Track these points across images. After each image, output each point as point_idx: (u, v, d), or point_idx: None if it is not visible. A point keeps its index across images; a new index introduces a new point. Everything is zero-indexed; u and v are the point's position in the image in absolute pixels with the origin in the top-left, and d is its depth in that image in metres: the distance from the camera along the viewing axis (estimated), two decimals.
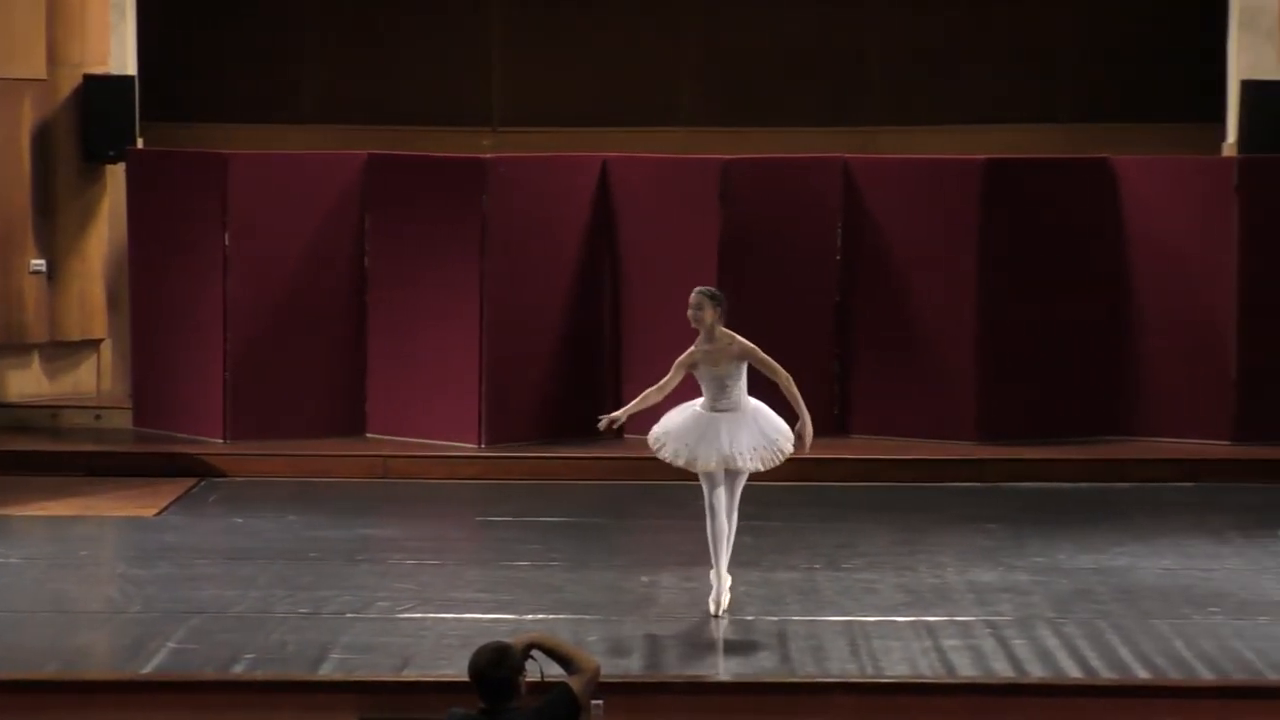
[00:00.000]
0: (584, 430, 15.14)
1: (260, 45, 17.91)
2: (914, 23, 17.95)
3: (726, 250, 14.95)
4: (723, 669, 9.91)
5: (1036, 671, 9.81)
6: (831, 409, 15.32)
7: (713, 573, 10.80)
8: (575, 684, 6.84)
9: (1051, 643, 10.27)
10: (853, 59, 18.01)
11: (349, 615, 10.80)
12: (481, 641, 7.00)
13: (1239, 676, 9.72)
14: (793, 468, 14.46)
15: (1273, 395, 15.08)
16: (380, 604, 11.03)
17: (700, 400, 10.76)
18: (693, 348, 10.72)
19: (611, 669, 9.33)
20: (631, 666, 9.84)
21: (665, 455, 10.73)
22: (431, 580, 11.62)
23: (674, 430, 10.68)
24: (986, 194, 15.04)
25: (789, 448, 10.72)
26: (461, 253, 14.87)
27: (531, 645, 6.91)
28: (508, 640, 6.94)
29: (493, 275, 14.85)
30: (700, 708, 9.53)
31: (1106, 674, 9.77)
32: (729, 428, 10.59)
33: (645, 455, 14.18)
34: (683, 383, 10.75)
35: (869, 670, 9.82)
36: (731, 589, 10.84)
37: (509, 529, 13.01)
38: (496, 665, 6.79)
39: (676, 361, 10.71)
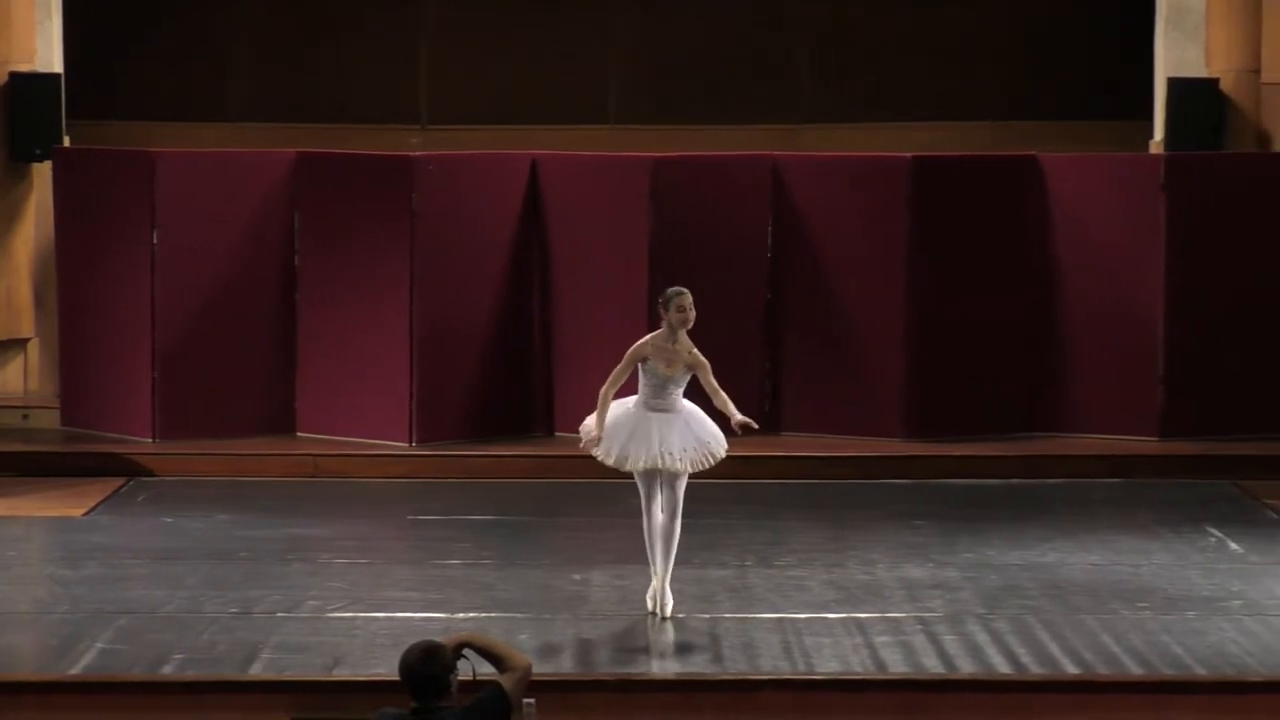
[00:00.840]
0: (515, 428, 15.20)
1: (188, 43, 17.82)
2: (841, 21, 18.00)
3: (656, 249, 14.96)
4: (655, 667, 9.91)
5: (967, 667, 9.85)
6: (762, 406, 15.35)
7: (655, 577, 10.69)
8: (506, 682, 6.84)
9: (981, 638, 10.32)
10: (781, 57, 18.05)
11: (279, 615, 10.76)
12: (413, 640, 6.99)
13: (1167, 671, 9.79)
14: (723, 465, 14.54)
15: (1199, 391, 15.18)
16: (311, 603, 10.99)
17: (635, 397, 10.70)
18: (647, 339, 10.62)
19: (543, 667, 9.33)
20: (563, 665, 9.84)
21: (595, 453, 10.69)
22: (362, 579, 11.58)
23: (605, 428, 10.62)
24: (914, 192, 15.09)
25: (720, 452, 10.69)
26: (391, 251, 14.84)
27: (463, 644, 6.90)
28: (439, 639, 6.93)
29: (422, 274, 14.82)
30: (632, 706, 9.54)
31: (1036, 669, 9.81)
32: (660, 427, 10.54)
33: (576, 454, 14.18)
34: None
35: (800, 667, 9.84)
36: (669, 591, 10.70)
37: (440, 528, 12.99)
38: (427, 664, 6.78)
39: (628, 354, 10.59)
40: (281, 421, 15.17)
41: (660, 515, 10.66)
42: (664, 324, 10.66)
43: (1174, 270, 15.13)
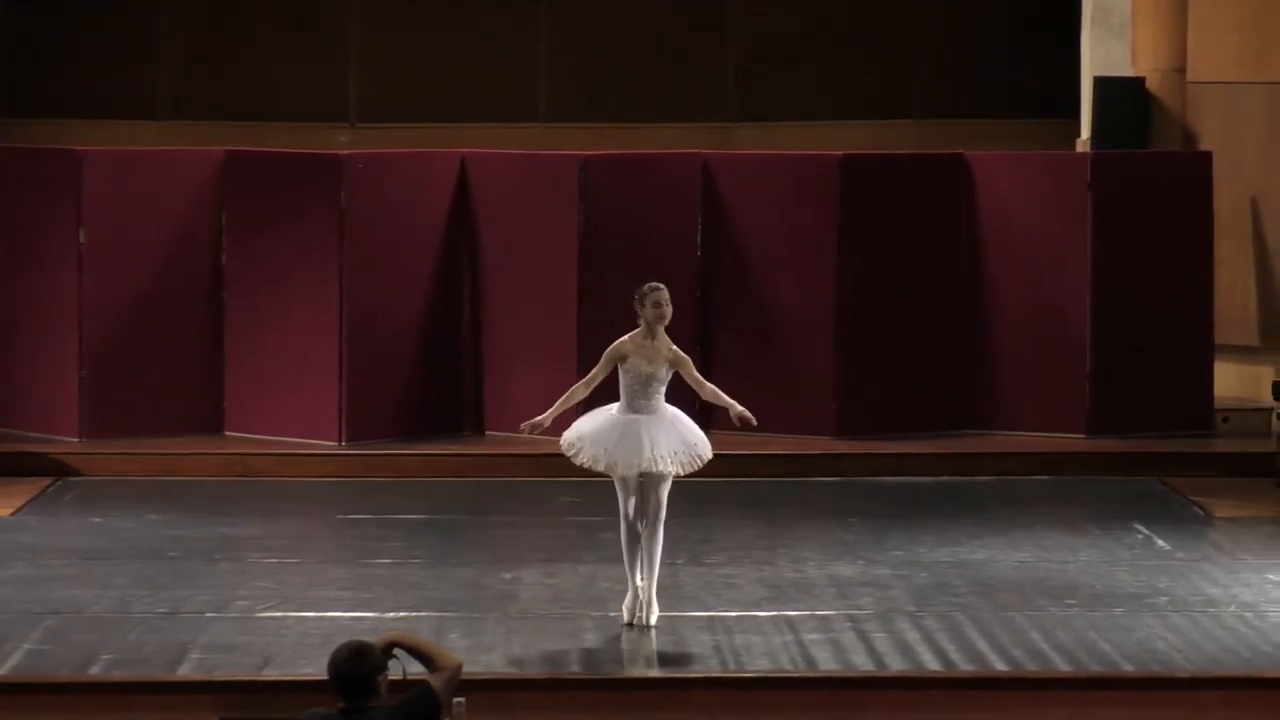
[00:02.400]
0: (445, 427, 15.17)
1: (115, 41, 17.73)
2: (770, 19, 18.04)
3: (586, 247, 14.95)
4: (585, 666, 9.90)
5: (896, 664, 9.88)
6: (692, 405, 15.34)
7: (639, 584, 10.47)
8: (435, 682, 6.82)
9: (911, 636, 10.35)
10: (710, 55, 18.08)
11: (208, 615, 10.71)
12: (342, 640, 6.96)
13: (1094, 668, 9.84)
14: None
15: (1126, 389, 15.27)
16: (240, 603, 10.95)
17: (616, 405, 10.47)
18: (625, 339, 10.45)
19: (473, 666, 9.30)
20: (493, 663, 9.82)
21: (583, 460, 10.41)
22: (291, 579, 11.54)
23: (590, 434, 10.39)
24: (844, 190, 15.13)
25: (707, 454, 10.51)
26: (320, 250, 14.78)
27: (393, 644, 6.89)
28: (368, 639, 6.91)
29: (351, 272, 14.77)
30: (562, 704, 9.53)
31: (965, 666, 9.85)
32: (649, 431, 10.32)
33: (506, 452, 14.18)
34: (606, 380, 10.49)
35: (730, 665, 9.86)
36: (642, 599, 10.44)
37: (369, 527, 12.95)
38: (355, 663, 6.75)
39: (606, 353, 10.42)
40: (210, 420, 15.09)
41: (637, 522, 10.42)
42: (640, 322, 10.50)
43: (1101, 268, 15.21)
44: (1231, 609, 10.93)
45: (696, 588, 11.36)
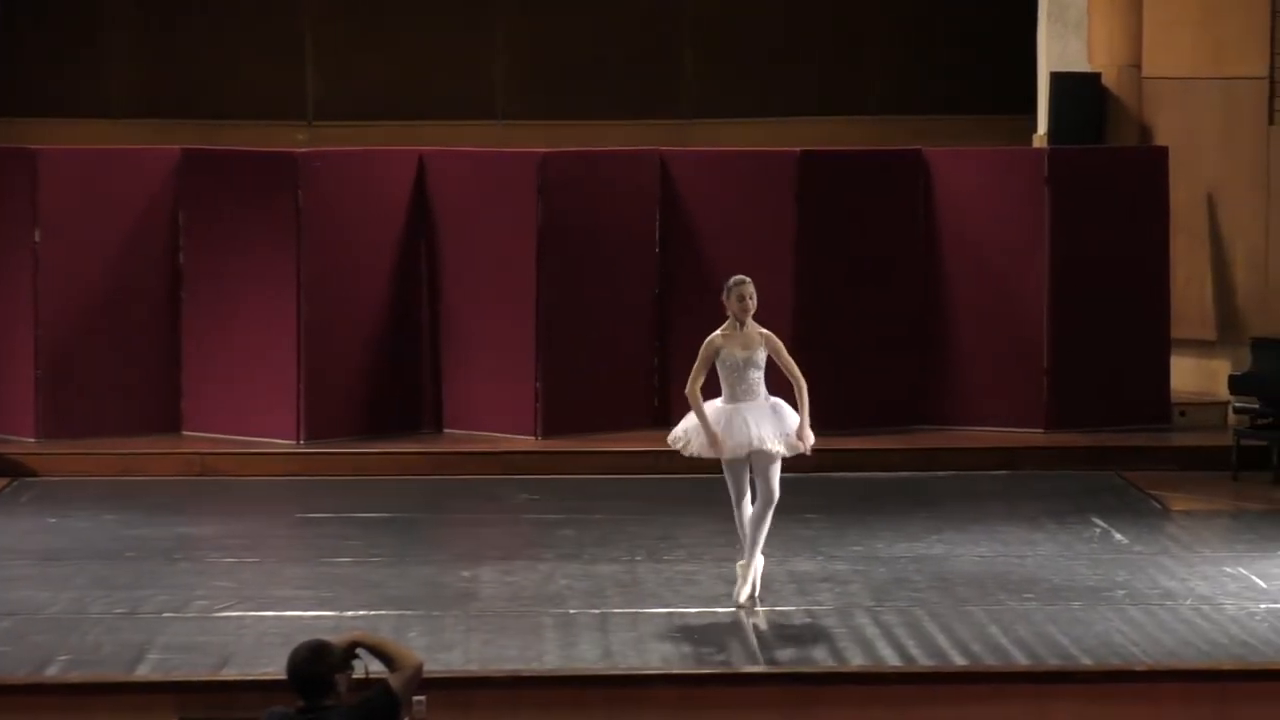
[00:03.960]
0: (403, 424, 15.14)
1: (70, 39, 17.65)
2: (727, 16, 18.05)
3: (545, 244, 14.94)
4: (544, 662, 9.90)
5: (856, 659, 9.89)
6: (651, 401, 15.38)
7: (739, 564, 10.76)
8: (395, 681, 6.81)
9: (871, 631, 10.37)
10: (668, 53, 18.08)
11: (167, 615, 10.68)
12: (302, 639, 6.95)
13: (1052, 661, 9.87)
14: (610, 460, 14.59)
15: (1083, 384, 15.32)
16: (199, 603, 10.91)
17: (718, 399, 10.78)
18: (716, 335, 10.77)
19: (433, 664, 9.28)
20: (453, 661, 9.81)
21: (692, 450, 10.77)
22: (251, 578, 11.51)
23: (695, 425, 10.71)
24: (801, 186, 15.14)
25: (804, 445, 10.77)
26: (277, 248, 14.74)
27: (355, 644, 6.88)
28: (327, 638, 6.90)
29: (309, 270, 14.74)
30: (522, 701, 9.52)
31: (924, 661, 9.88)
32: (752, 415, 10.64)
33: (465, 450, 14.18)
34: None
35: (691, 661, 9.86)
36: (740, 575, 10.76)
37: (329, 525, 12.93)
38: (312, 663, 6.74)
39: (703, 349, 10.75)
40: (167, 420, 15.04)
41: (749, 507, 10.73)
42: (728, 314, 10.80)
43: (1058, 263, 15.25)
44: (1188, 602, 10.98)
45: (656, 584, 11.37)
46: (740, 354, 10.71)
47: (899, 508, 13.42)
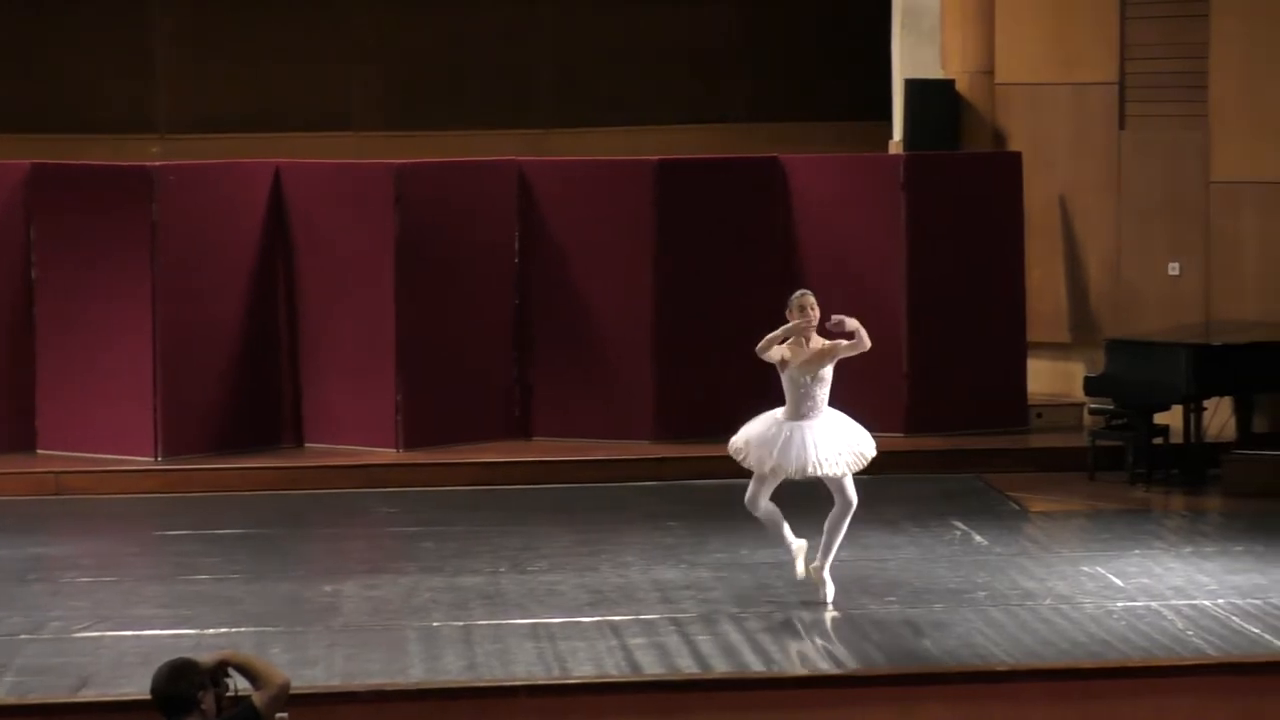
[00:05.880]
0: (263, 439, 15.01)
1: None
2: (583, 24, 18.06)
3: (403, 256, 14.87)
4: (409, 675, 9.84)
5: (720, 666, 9.91)
6: (512, 412, 15.35)
7: (813, 566, 10.96)
8: (260, 699, 6.78)
9: (735, 638, 10.39)
10: (524, 62, 18.06)
11: (22, 636, 10.52)
12: (162, 658, 6.88)
13: (916, 664, 9.93)
14: (472, 472, 14.54)
15: (942, 387, 15.44)
16: (55, 624, 10.76)
17: (781, 410, 10.89)
18: (785, 345, 10.85)
19: (296, 680, 9.19)
20: (316, 677, 9.74)
21: (749, 463, 10.91)
22: (108, 597, 11.36)
23: (756, 439, 10.85)
24: (660, 194, 15.17)
25: (870, 451, 10.91)
26: (132, 263, 14.58)
27: (223, 663, 6.85)
28: (197, 658, 6.84)
29: (165, 285, 14.58)
30: (387, 715, 9.47)
31: (788, 666, 9.91)
32: (812, 436, 10.76)
33: (325, 464, 14.08)
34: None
35: (555, 671, 9.84)
36: (816, 581, 10.99)
37: (187, 542, 12.79)
38: (174, 682, 6.69)
39: (776, 338, 10.83)
40: (21, 438, 14.83)
41: (768, 505, 10.92)
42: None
43: (915, 268, 15.37)
44: (1048, 601, 11.09)
45: (520, 595, 11.34)
46: (806, 373, 10.81)
47: None
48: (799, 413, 10.85)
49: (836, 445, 10.83)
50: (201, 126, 17.53)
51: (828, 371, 10.86)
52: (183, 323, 14.67)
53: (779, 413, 10.93)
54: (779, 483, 10.90)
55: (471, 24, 17.95)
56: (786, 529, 11.05)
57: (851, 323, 10.80)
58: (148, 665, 6.96)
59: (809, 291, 11.03)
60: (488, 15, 17.98)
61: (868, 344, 10.82)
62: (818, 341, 10.90)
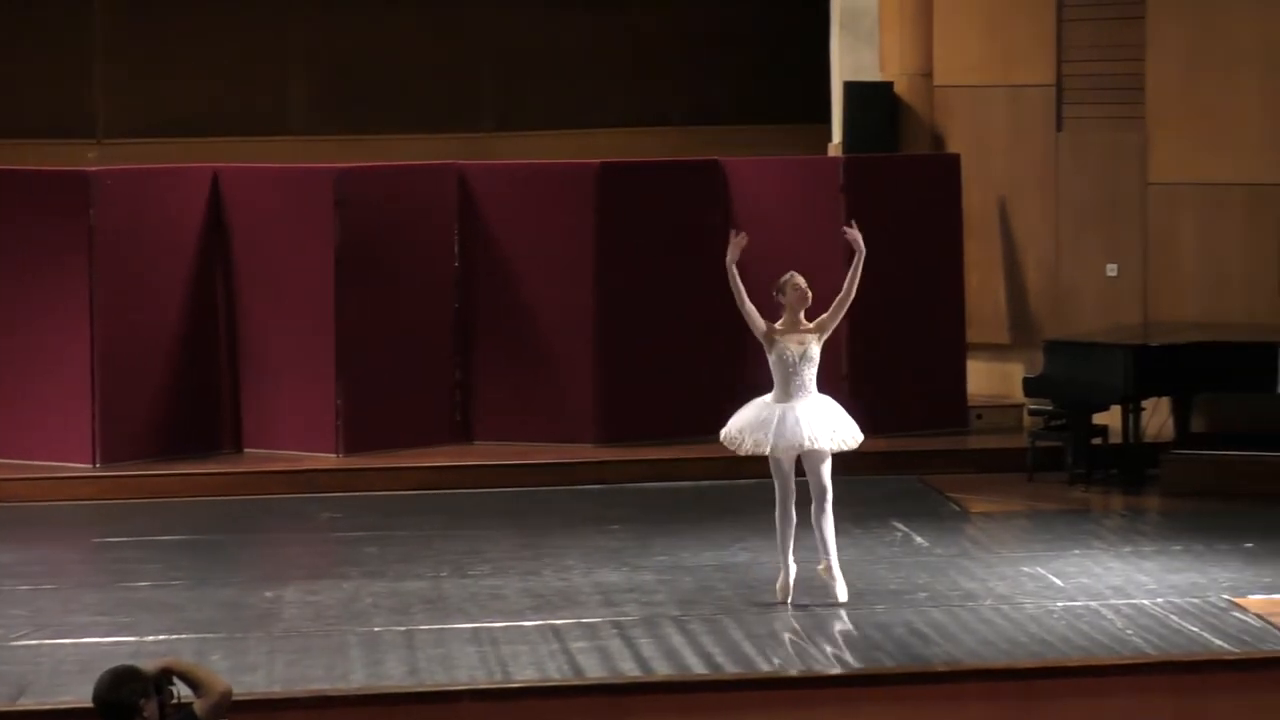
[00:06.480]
0: (202, 445, 14.95)
1: None
2: (524, 27, 18.05)
3: (343, 260, 14.83)
4: (351, 681, 9.82)
5: (663, 669, 9.91)
6: (453, 416, 15.32)
7: (819, 567, 10.99)
8: (200, 707, 6.77)
9: (677, 640, 10.39)
10: (464, 66, 18.04)
11: None
12: (101, 666, 6.85)
13: (857, 665, 9.96)
14: (414, 476, 14.52)
15: (882, 389, 15.44)
16: None
17: (769, 395, 10.96)
18: (775, 325, 10.96)
19: (237, 687, 9.16)
20: (256, 683, 9.70)
21: (745, 449, 10.93)
22: (47, 605, 11.30)
23: (748, 424, 10.91)
24: (601, 198, 15.17)
25: (858, 435, 11.00)
26: (70, 269, 14.50)
27: (165, 670, 6.83)
28: (139, 665, 6.82)
29: (103, 290, 14.51)
30: None
31: (731, 668, 9.92)
32: (803, 414, 10.82)
33: (264, 469, 14.02)
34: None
35: (498, 676, 9.83)
36: (828, 579, 11.00)
37: (127, 549, 12.73)
38: (115, 690, 6.67)
39: (762, 328, 10.93)
40: None
41: (793, 505, 10.92)
42: (784, 310, 11.02)
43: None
44: (988, 602, 11.13)
45: (461, 599, 11.32)
46: (797, 349, 10.90)
47: (703, 516, 13.48)
48: (788, 394, 10.91)
49: (829, 423, 10.90)
50: (139, 131, 17.45)
51: (816, 351, 10.95)
52: (121, 328, 14.60)
53: (767, 397, 11.01)
54: (793, 472, 10.91)
55: (412, 27, 17.93)
56: (790, 549, 11.02)
57: (852, 232, 11.14)
58: (87, 673, 6.93)
59: (795, 273, 11.20)
60: (428, 18, 17.95)
61: (862, 247, 11.15)
62: (805, 324, 10.99)
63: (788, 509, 10.98)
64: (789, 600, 10.98)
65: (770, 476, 11.01)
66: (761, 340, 10.99)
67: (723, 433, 11.10)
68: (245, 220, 15.02)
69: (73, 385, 14.51)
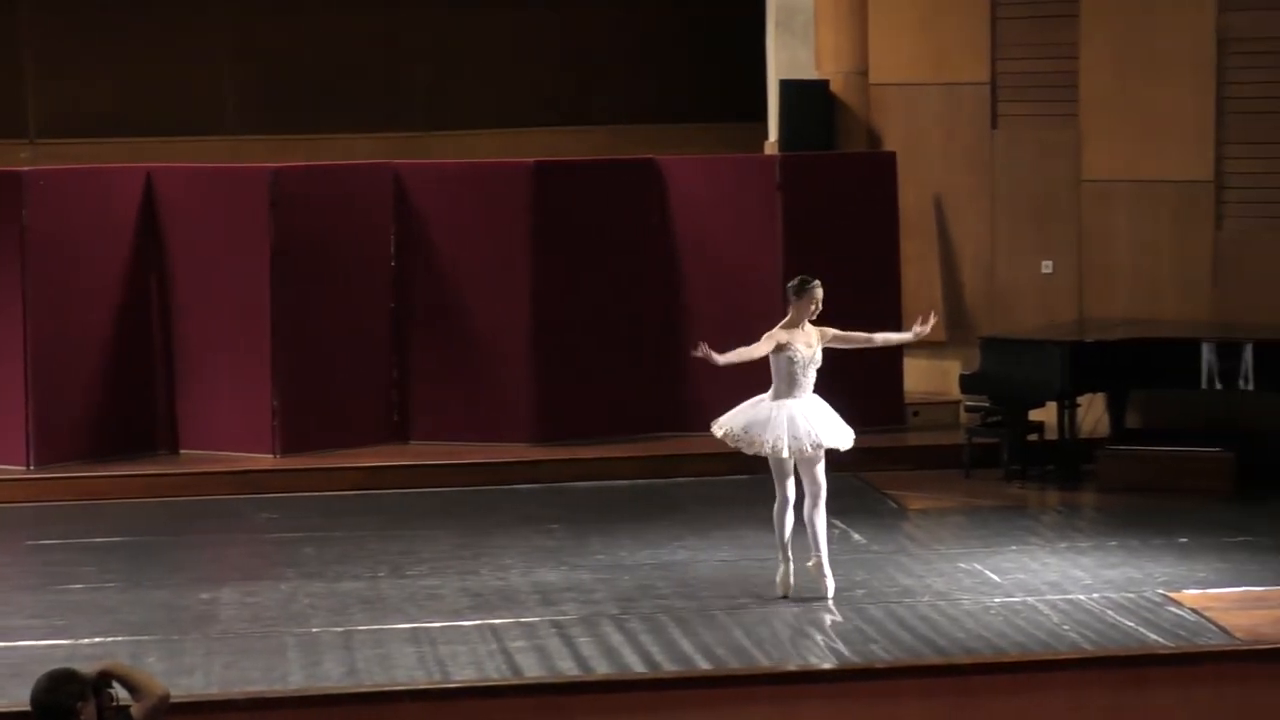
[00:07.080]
0: (137, 446, 14.88)
1: None
2: (460, 26, 18.03)
3: (279, 260, 14.77)
4: (288, 683, 9.78)
5: (601, 668, 9.91)
6: (390, 415, 15.28)
7: (809, 564, 11.02)
8: (137, 710, 6.75)
9: (616, 639, 10.39)
10: (400, 63, 18.01)
11: None
12: (36, 670, 6.81)
13: (795, 663, 9.97)
14: (351, 476, 14.48)
15: (820, 386, 15.42)
16: None
17: (766, 394, 10.99)
18: (779, 329, 10.99)
19: (174, 689, 9.11)
20: (193, 685, 9.66)
21: (741, 447, 10.96)
22: None
23: (747, 423, 10.95)
24: (536, 196, 15.15)
25: (851, 436, 11.06)
26: (2, 269, 14.40)
27: (104, 673, 6.80)
28: (77, 668, 6.78)
29: (36, 292, 14.42)
30: None
31: (669, 667, 9.92)
32: (802, 413, 10.89)
33: (199, 470, 13.96)
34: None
35: (436, 676, 9.81)
36: (816, 575, 11.06)
37: (61, 552, 12.65)
38: (51, 692, 6.64)
39: (766, 337, 10.95)
40: None
41: (791, 503, 10.94)
42: (791, 311, 11.05)
43: (791, 268, 15.35)
44: (926, 599, 11.17)
45: (400, 599, 11.29)
46: (806, 351, 10.99)
47: (641, 515, 13.48)
48: (790, 392, 10.97)
49: (832, 423, 11.00)
50: (71, 132, 17.36)
51: (820, 355, 11.05)
52: (54, 329, 14.51)
53: (764, 396, 11.07)
54: (793, 470, 10.92)
55: (346, 26, 17.88)
56: (788, 544, 11.06)
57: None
58: (21, 677, 6.89)
59: (817, 280, 11.19)
60: (362, 17, 17.91)
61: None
62: (811, 328, 11.08)
63: (788, 506, 11.01)
64: (790, 595, 11.03)
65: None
66: (771, 353, 11.00)
67: (722, 431, 11.08)
68: (180, 220, 14.95)
69: (6, 387, 14.42)
